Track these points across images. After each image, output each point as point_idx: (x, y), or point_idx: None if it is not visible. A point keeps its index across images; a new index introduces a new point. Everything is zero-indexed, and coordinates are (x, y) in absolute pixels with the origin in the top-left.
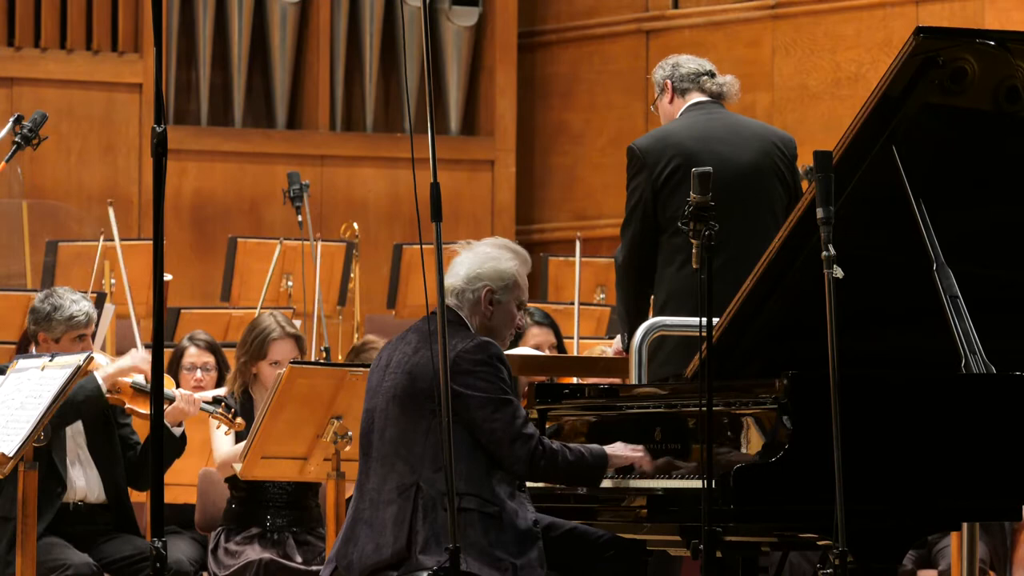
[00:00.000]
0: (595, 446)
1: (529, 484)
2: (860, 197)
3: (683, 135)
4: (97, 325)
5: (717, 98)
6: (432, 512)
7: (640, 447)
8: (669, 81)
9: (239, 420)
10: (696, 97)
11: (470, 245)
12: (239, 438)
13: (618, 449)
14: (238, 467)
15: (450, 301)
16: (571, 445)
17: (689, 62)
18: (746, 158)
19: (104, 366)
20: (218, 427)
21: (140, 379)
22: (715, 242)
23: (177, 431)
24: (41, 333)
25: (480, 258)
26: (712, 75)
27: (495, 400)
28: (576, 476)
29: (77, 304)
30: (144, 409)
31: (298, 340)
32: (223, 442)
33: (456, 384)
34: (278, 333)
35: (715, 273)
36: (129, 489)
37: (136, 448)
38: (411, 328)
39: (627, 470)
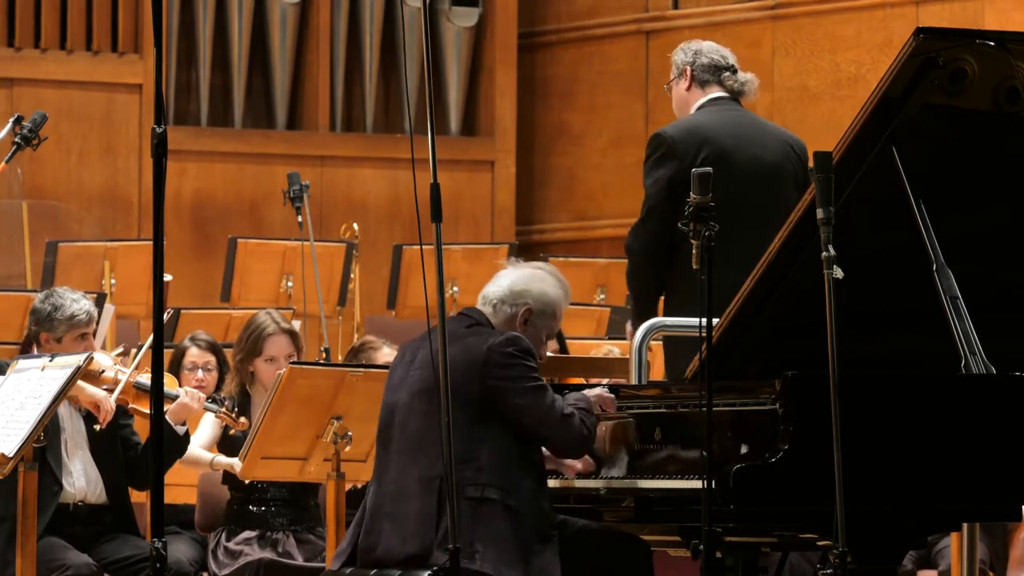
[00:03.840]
0: (579, 396)
1: None
2: (860, 198)
3: (716, 129)
4: (97, 325)
5: (736, 95)
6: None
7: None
8: (689, 68)
9: (243, 420)
10: (716, 91)
11: (518, 263)
12: (229, 446)
13: (589, 394)
14: (236, 465)
15: (485, 309)
16: (569, 404)
17: (712, 52)
18: (770, 160)
19: (103, 367)
20: (223, 425)
21: (143, 379)
22: (734, 242)
23: (180, 429)
24: (43, 333)
25: (528, 276)
26: (733, 71)
27: (534, 388)
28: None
29: (78, 303)
30: (146, 408)
31: (293, 336)
32: (200, 436)
33: (490, 378)
34: (272, 328)
35: (735, 274)
36: (130, 489)
37: (137, 448)
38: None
39: (629, 471)
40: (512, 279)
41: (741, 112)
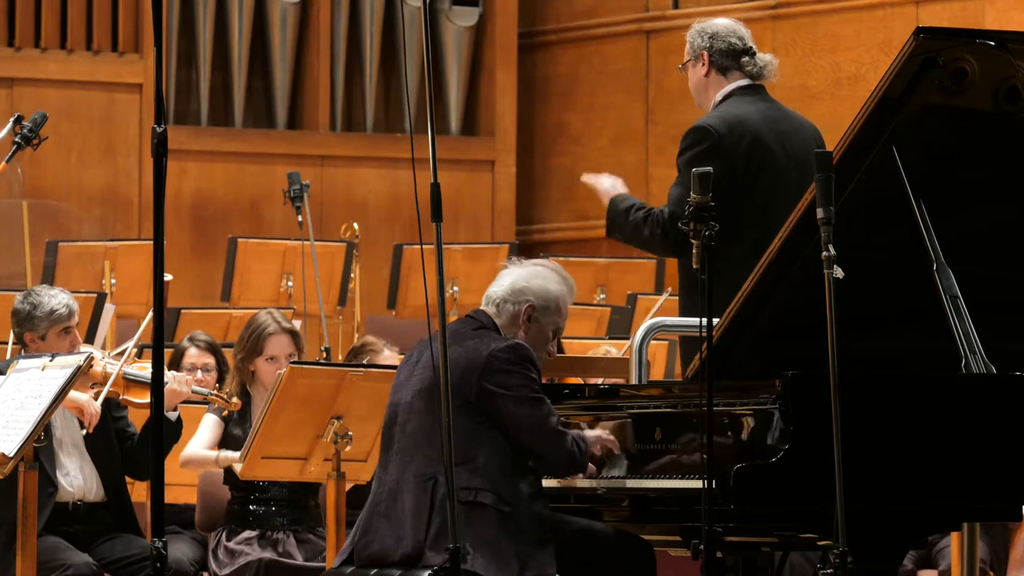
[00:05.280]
0: (578, 433)
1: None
2: (860, 197)
3: (757, 125)
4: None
5: (757, 79)
6: (446, 506)
7: (599, 431)
8: (706, 54)
9: (235, 400)
10: (740, 79)
11: (521, 262)
12: (230, 442)
13: (589, 434)
14: (232, 466)
15: (489, 309)
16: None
17: (728, 35)
18: (803, 156)
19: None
20: (222, 412)
21: (133, 369)
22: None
23: (172, 415)
24: (27, 334)
25: (529, 274)
26: (752, 54)
27: (530, 398)
28: (586, 463)
29: (56, 298)
30: (138, 399)
31: (294, 335)
32: (201, 438)
33: (488, 383)
34: (274, 328)
35: None
36: (129, 488)
37: (134, 439)
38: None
39: (629, 471)
40: (513, 277)
41: (772, 104)
